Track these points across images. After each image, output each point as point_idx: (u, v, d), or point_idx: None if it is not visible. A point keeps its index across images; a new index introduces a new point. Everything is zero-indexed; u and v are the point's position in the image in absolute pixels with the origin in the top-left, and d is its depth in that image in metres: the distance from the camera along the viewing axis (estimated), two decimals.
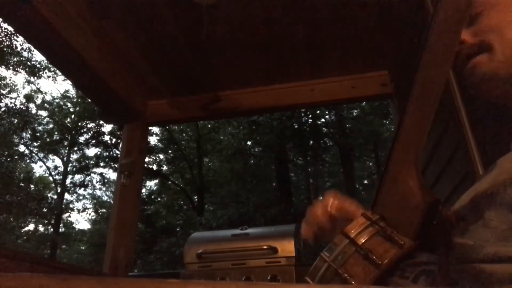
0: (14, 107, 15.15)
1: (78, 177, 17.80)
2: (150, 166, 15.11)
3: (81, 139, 16.76)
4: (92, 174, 17.67)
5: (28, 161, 17.54)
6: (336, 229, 0.69)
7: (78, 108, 16.82)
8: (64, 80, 17.32)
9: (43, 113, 17.74)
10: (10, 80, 17.60)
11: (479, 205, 0.49)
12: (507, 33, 0.61)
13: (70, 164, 17.85)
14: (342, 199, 0.69)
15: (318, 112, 12.99)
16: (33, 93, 17.92)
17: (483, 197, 0.49)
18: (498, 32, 0.61)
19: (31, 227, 18.80)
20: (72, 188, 18.01)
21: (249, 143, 13.18)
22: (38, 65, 15.71)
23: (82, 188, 17.94)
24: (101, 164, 16.61)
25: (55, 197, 17.86)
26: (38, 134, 16.78)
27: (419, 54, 0.54)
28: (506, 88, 0.61)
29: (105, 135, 15.31)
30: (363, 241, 0.54)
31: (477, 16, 0.64)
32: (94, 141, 15.83)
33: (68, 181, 17.91)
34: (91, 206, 19.67)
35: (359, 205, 0.69)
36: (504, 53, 0.61)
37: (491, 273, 0.44)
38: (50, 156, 17.68)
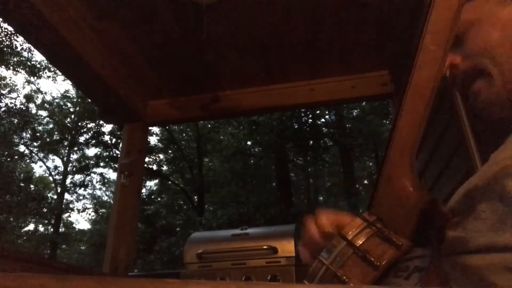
0: (14, 107, 15.16)
1: (78, 177, 17.82)
2: (150, 166, 15.12)
3: (81, 139, 16.78)
4: (92, 174, 17.68)
5: (28, 161, 17.56)
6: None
7: (78, 108, 16.83)
8: (64, 80, 17.34)
9: (43, 113, 17.77)
10: (10, 80, 17.62)
11: (472, 199, 0.49)
12: (498, 54, 0.61)
13: (70, 164, 17.87)
14: (335, 214, 0.66)
15: (318, 112, 12.98)
16: (33, 93, 17.94)
17: (475, 190, 0.49)
18: (488, 54, 0.61)
19: (31, 227, 18.82)
20: (72, 188, 18.02)
21: (249, 143, 13.18)
22: (38, 65, 15.73)
23: (82, 188, 17.96)
24: (101, 164, 16.62)
25: (55, 197, 17.87)
26: (38, 134, 16.78)
27: (412, 55, 0.55)
28: (508, 112, 0.62)
29: (105, 135, 15.33)
30: (360, 242, 0.54)
31: (463, 36, 0.64)
32: (94, 141, 15.84)
33: (68, 181, 17.93)
34: (91, 206, 19.70)
35: (353, 216, 0.68)
36: (503, 79, 0.61)
37: (481, 264, 0.44)
38: (50, 156, 17.70)
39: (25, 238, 17.84)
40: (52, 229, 17.37)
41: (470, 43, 0.64)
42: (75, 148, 17.29)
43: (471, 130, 1.36)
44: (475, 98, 0.66)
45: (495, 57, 0.61)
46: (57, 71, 15.05)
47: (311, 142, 13.00)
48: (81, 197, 19.03)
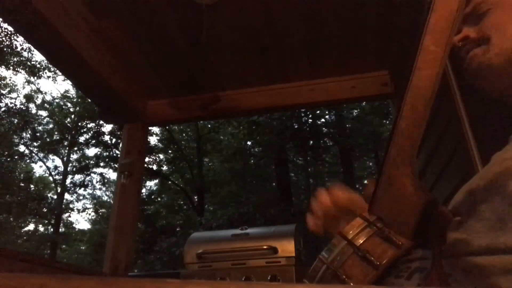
0: (14, 107, 15.15)
1: (78, 177, 17.81)
2: (150, 166, 15.11)
3: (81, 139, 16.77)
4: (92, 174, 17.68)
5: (28, 161, 17.55)
6: (342, 221, 0.69)
7: (78, 108, 16.82)
8: (64, 80, 17.32)
9: (43, 113, 17.76)
10: (10, 80, 17.63)
11: (474, 199, 0.49)
12: (508, 29, 0.61)
13: (70, 164, 17.86)
14: (347, 190, 0.69)
15: (318, 112, 12.98)
16: (33, 93, 17.93)
17: (477, 190, 0.49)
18: (499, 28, 0.62)
19: (31, 227, 18.82)
20: (72, 188, 18.01)
21: (249, 143, 13.19)
22: (38, 65, 15.72)
23: (82, 188, 17.95)
24: (101, 164, 16.61)
25: (55, 197, 17.86)
26: (38, 134, 16.78)
27: (412, 56, 0.55)
28: (502, 81, 0.62)
29: (105, 135, 15.33)
30: (361, 242, 0.54)
31: (484, 14, 0.65)
32: (94, 141, 15.84)
33: (68, 181, 17.92)
34: (91, 206, 19.69)
35: (362, 199, 0.69)
36: (500, 45, 0.61)
37: (483, 266, 0.44)
38: (50, 156, 17.70)
39: (25, 238, 17.84)
40: (52, 229, 17.37)
41: (488, 20, 0.64)
42: (75, 148, 17.28)
43: (471, 130, 1.36)
44: (468, 65, 0.66)
45: (503, 31, 0.62)
46: (57, 71, 15.05)
47: (311, 142, 13.01)
48: (81, 197, 19.04)
